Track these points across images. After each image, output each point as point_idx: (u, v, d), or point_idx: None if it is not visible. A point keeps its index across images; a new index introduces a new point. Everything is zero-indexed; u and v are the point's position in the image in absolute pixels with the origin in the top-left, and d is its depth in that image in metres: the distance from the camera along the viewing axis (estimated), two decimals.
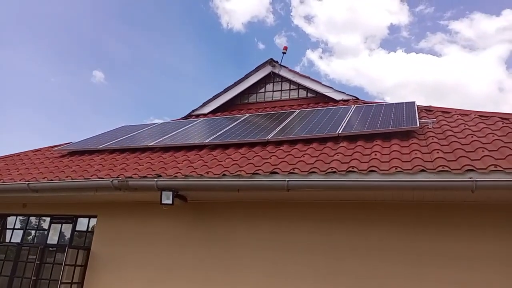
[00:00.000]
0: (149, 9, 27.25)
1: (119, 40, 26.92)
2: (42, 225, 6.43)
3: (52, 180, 5.48)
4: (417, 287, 4.08)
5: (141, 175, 5.09)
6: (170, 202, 4.73)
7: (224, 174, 4.62)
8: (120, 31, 26.37)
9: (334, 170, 4.17)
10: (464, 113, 5.76)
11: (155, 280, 5.23)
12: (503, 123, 4.94)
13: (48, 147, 7.94)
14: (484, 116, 5.46)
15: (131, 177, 5.01)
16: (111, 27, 26.30)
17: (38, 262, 5.66)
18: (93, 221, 6.03)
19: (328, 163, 4.46)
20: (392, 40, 31.64)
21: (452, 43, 30.43)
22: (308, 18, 30.44)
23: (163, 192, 4.76)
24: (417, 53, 30.65)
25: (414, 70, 30.00)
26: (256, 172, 4.50)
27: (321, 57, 30.52)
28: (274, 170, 4.45)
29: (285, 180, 4.21)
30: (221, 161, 5.20)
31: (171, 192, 4.74)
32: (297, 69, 8.87)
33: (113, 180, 4.98)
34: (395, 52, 31.74)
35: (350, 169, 4.12)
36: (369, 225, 4.48)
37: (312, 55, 30.96)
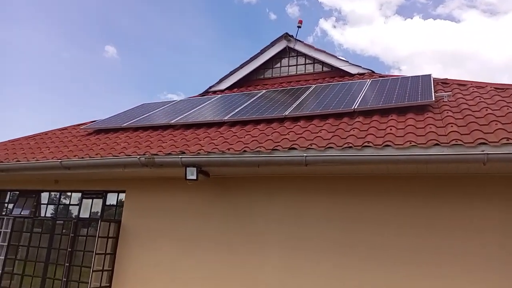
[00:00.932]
0: None
1: (131, 15, 26.95)
2: (74, 200, 6.84)
3: (82, 158, 5.81)
4: (431, 258, 4.31)
5: (165, 152, 5.36)
6: (194, 177, 5.01)
7: (244, 151, 4.85)
8: (131, 6, 26.31)
9: (350, 145, 4.35)
10: (480, 86, 5.80)
11: (182, 250, 5.60)
12: None
13: (74, 126, 8.29)
14: (499, 88, 5.50)
15: (156, 154, 5.30)
16: (122, 2, 26.24)
17: (73, 234, 6.09)
18: (122, 196, 6.39)
19: (345, 138, 4.63)
20: (409, 6, 30.69)
21: (471, 8, 29.37)
22: None
23: (188, 168, 5.04)
24: (434, 19, 29.77)
25: (431, 38, 29.20)
26: (275, 148, 4.72)
27: (334, 26, 29.95)
28: (292, 146, 4.66)
29: (303, 156, 4.42)
30: (241, 137, 5.43)
31: (195, 168, 5.01)
32: (310, 39, 8.91)
33: (140, 157, 5.28)
34: (411, 18, 30.85)
35: (366, 144, 4.29)
36: (384, 197, 4.68)
37: (326, 24, 30.38)
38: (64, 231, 6.19)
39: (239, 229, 5.33)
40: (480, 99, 5.19)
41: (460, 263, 4.19)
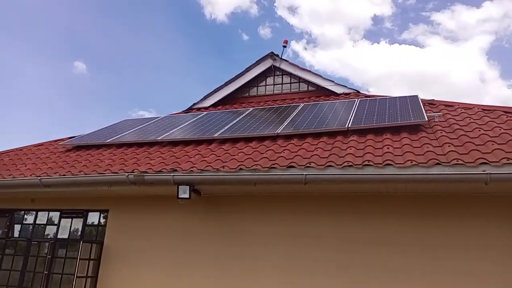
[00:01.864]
0: None
1: (100, 30, 26.50)
2: (51, 219, 6.43)
3: (64, 175, 5.49)
4: (431, 279, 4.26)
5: (155, 169, 5.14)
6: (187, 196, 4.81)
7: (240, 168, 4.71)
8: (101, 22, 25.93)
9: (350, 163, 4.30)
10: (467, 107, 5.95)
11: (169, 274, 5.31)
12: (507, 117, 5.14)
13: (50, 142, 7.90)
14: (487, 109, 5.65)
15: (146, 172, 5.07)
16: (91, 18, 25.83)
17: (50, 256, 5.70)
18: (104, 215, 6.06)
19: (342, 156, 4.59)
20: (376, 31, 32.01)
21: (434, 34, 31.00)
22: (292, 9, 30.58)
23: (180, 187, 4.84)
24: (400, 44, 31.19)
25: (397, 61, 30.52)
26: (272, 166, 4.61)
27: (305, 48, 30.74)
28: (290, 164, 4.56)
29: (303, 174, 4.33)
30: (234, 155, 5.29)
31: (188, 187, 4.82)
32: None
33: (128, 175, 5.03)
34: (378, 43, 32.20)
35: (366, 162, 4.26)
36: (382, 217, 4.64)
37: (297, 46, 31.08)
38: (41, 252, 5.79)
39: (233, 250, 5.13)
40: (470, 119, 5.30)
41: (461, 283, 4.16)
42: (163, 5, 28.25)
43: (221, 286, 5.02)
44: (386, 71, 30.80)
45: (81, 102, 29.47)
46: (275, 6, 30.18)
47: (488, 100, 31.07)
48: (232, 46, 31.78)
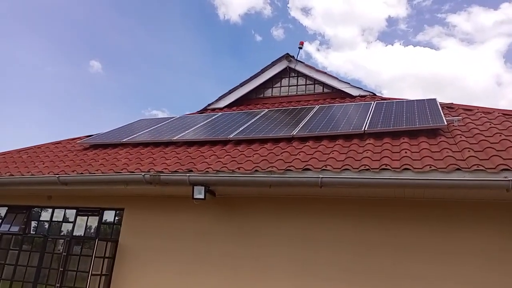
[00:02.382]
0: None
1: (116, 30, 26.84)
2: (67, 217, 6.52)
3: (82, 173, 5.56)
4: (446, 285, 4.19)
5: (170, 169, 5.16)
6: (202, 196, 4.82)
7: (256, 170, 4.70)
8: (117, 21, 26.25)
9: (367, 167, 4.25)
10: (487, 111, 5.83)
11: (182, 274, 5.33)
12: None
13: (68, 140, 8.01)
14: (507, 114, 5.54)
15: (162, 172, 5.09)
16: (108, 17, 26.18)
17: (65, 253, 5.77)
18: (119, 214, 6.12)
19: (359, 160, 4.54)
20: (390, 33, 31.68)
21: (450, 36, 30.55)
22: (305, 10, 30.49)
23: (195, 187, 4.85)
24: (414, 46, 30.79)
25: (411, 63, 30.13)
26: (288, 168, 4.59)
27: (318, 50, 30.60)
28: (306, 167, 4.53)
29: (319, 177, 4.29)
30: (249, 156, 5.28)
31: (203, 187, 4.83)
32: None
33: (145, 174, 5.06)
34: (392, 45, 31.86)
35: (383, 166, 4.20)
36: (399, 222, 4.58)
37: (310, 47, 30.97)
38: (56, 249, 5.87)
39: (246, 251, 5.12)
40: (490, 124, 5.19)
41: None
42: (177, 4, 28.47)
43: (233, 285, 5.01)
44: (400, 73, 30.50)
45: (96, 100, 29.90)
46: (288, 7, 30.16)
47: (503, 104, 30.49)
48: (245, 47, 31.88)
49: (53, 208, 6.62)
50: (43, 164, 6.43)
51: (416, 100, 6.83)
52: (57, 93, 27.84)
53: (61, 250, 5.80)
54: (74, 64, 27.77)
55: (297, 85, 9.18)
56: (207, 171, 4.91)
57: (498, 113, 5.64)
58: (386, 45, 31.52)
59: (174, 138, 6.56)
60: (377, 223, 4.67)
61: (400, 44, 31.39)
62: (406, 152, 4.55)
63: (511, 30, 29.09)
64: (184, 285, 5.27)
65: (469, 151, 4.28)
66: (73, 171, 5.72)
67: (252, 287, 4.95)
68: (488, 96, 29.55)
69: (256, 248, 5.10)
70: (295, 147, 5.44)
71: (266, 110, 7.89)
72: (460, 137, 4.82)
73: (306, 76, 9.08)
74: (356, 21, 30.49)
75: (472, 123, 5.41)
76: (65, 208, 6.52)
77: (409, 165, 4.14)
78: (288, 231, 5.01)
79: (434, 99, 6.59)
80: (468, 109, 6.15)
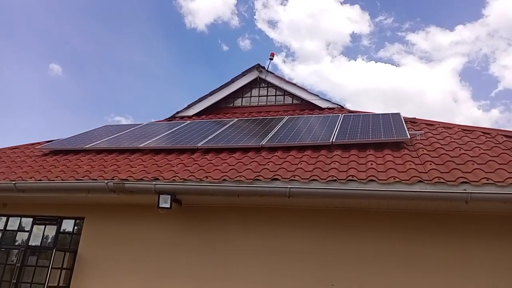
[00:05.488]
0: (110, 3, 26.60)
1: (79, 34, 26.06)
2: (23, 226, 6.17)
3: (40, 180, 5.30)
4: None
5: (136, 177, 5.02)
6: (168, 205, 4.71)
7: (224, 179, 4.65)
8: (80, 26, 25.56)
9: (334, 178, 4.30)
10: (448, 126, 6.08)
11: (146, 285, 5.15)
12: (485, 138, 5.27)
13: (26, 145, 7.64)
14: (466, 130, 5.79)
15: (126, 180, 4.94)
16: (71, 21, 25.45)
17: (19, 264, 5.46)
18: (79, 223, 5.86)
19: (327, 171, 4.59)
20: (353, 48, 32.79)
21: (410, 54, 32.04)
22: (272, 23, 31.01)
23: (161, 196, 4.73)
24: (376, 62, 32.00)
25: (373, 78, 31.26)
26: (256, 178, 4.57)
27: (284, 61, 31.14)
28: (274, 177, 4.53)
29: (287, 187, 4.30)
30: (217, 165, 5.22)
31: (169, 196, 4.72)
32: None
33: (108, 182, 4.89)
34: (355, 60, 32.99)
35: (350, 177, 4.27)
36: (364, 232, 4.65)
37: (276, 59, 31.40)
38: (10, 260, 5.54)
39: (212, 263, 5.02)
40: (450, 139, 5.41)
41: None
42: (144, 10, 28.11)
43: None
44: (363, 87, 31.49)
45: (56, 105, 28.80)
46: (255, 19, 30.58)
47: (460, 119, 32.10)
48: (212, 56, 31.90)
49: (8, 216, 6.25)
50: None
51: (381, 114, 7.03)
52: (15, 97, 26.63)
53: (14, 261, 5.49)
54: (33, 67, 26.68)
55: (267, 96, 9.24)
56: (174, 180, 4.81)
57: (458, 129, 5.89)
58: (349, 60, 32.62)
59: (140, 146, 6.40)
60: (342, 233, 4.72)
61: (363, 59, 32.57)
62: (371, 164, 4.65)
63: (466, 51, 30.86)
64: None
65: (430, 164, 4.43)
66: (31, 178, 5.44)
67: None
68: (446, 111, 31.05)
69: (223, 258, 5.01)
70: (264, 157, 5.44)
71: (236, 119, 7.87)
72: (422, 150, 4.99)
73: (276, 87, 9.16)
74: (321, 35, 31.38)
75: (434, 137, 5.62)
76: (21, 216, 6.17)
77: (375, 176, 4.23)
78: (256, 242, 4.97)
79: (398, 114, 6.81)
80: (429, 123, 6.39)
